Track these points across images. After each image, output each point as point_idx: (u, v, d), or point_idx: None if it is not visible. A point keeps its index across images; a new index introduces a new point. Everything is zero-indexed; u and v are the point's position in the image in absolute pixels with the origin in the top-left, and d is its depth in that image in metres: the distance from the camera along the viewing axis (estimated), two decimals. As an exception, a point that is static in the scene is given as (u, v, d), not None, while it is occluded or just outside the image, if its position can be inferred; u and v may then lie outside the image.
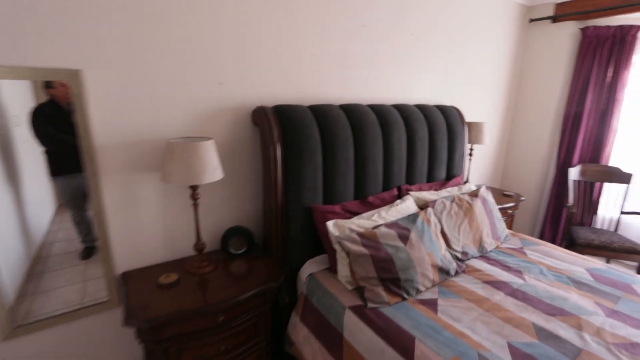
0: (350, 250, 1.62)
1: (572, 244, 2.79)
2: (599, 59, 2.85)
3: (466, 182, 2.51)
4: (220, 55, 1.70)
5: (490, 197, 2.36)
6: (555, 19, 2.94)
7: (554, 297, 1.65)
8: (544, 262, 2.00)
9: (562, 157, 3.14)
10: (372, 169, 2.08)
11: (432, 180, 2.47)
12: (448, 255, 1.87)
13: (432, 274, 1.72)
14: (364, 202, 2.06)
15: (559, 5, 2.92)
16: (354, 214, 1.95)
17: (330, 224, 1.75)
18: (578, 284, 1.79)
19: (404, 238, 1.73)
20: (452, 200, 2.17)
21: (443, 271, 1.78)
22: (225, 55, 1.71)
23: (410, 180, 2.33)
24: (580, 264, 2.00)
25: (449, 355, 1.27)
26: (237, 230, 1.88)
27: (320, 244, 1.91)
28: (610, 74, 2.85)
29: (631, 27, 2.69)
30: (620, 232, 3.01)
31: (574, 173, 2.96)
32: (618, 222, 2.93)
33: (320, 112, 1.91)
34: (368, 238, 1.68)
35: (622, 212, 2.91)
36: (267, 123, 1.75)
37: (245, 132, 1.88)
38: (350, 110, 2.02)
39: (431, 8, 2.42)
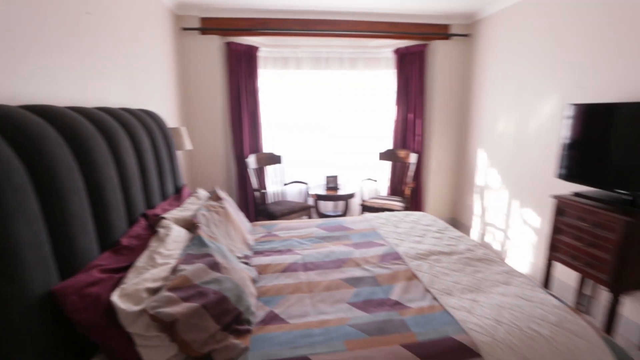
0: (176, 316, 1.06)
1: (271, 218, 3.35)
2: (242, 70, 3.47)
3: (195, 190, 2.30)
4: None
5: (228, 197, 2.32)
6: (203, 31, 3.21)
7: (328, 254, 1.98)
8: (293, 235, 2.30)
9: (237, 151, 3.61)
10: (113, 200, 1.41)
11: (166, 197, 2.05)
12: (241, 265, 1.69)
13: (254, 289, 1.50)
14: (119, 249, 1.37)
15: (203, 19, 3.20)
16: (118, 271, 1.26)
17: (116, 298, 1.03)
18: (325, 238, 2.24)
19: (215, 265, 1.36)
20: (208, 210, 1.93)
21: (254, 281, 1.60)
22: None
23: (149, 203, 1.81)
24: (309, 225, 2.49)
25: (341, 344, 1.22)
26: None
27: (76, 343, 1.09)
28: (250, 82, 3.56)
29: (254, 47, 3.48)
30: (287, 198, 3.98)
31: (251, 162, 3.52)
32: (284, 192, 3.86)
33: (10, 121, 1.01)
34: (183, 288, 1.17)
35: (285, 184, 3.87)
36: None
37: None
38: (56, 117, 1.22)
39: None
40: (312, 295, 1.57)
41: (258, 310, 1.44)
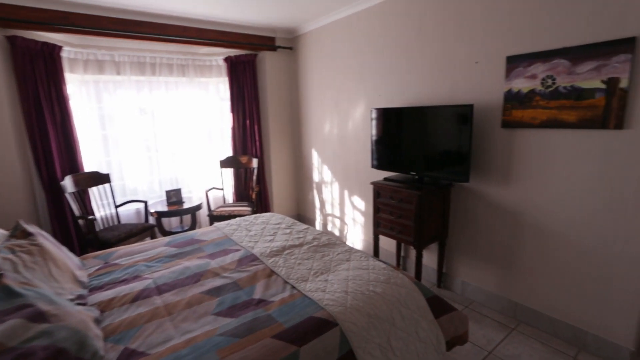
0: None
1: (105, 246, 2.85)
2: (39, 72, 2.77)
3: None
4: None
5: (41, 231, 1.87)
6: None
7: (182, 271, 1.88)
8: (139, 259, 2.06)
9: (44, 175, 2.89)
10: None
11: (-63, 247, 1.49)
12: (77, 307, 1.42)
13: (98, 330, 1.29)
14: None
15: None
16: None
17: None
18: (177, 255, 2.11)
19: (38, 316, 1.11)
20: (13, 251, 1.52)
21: (97, 322, 1.37)
22: None
23: None
24: (157, 245, 2.27)
25: (213, 355, 1.21)
26: None
27: None
28: (54, 88, 2.89)
29: (55, 46, 2.84)
30: (123, 221, 3.46)
31: (68, 185, 2.89)
32: (117, 214, 3.34)
33: None
34: (-6, 352, 0.92)
35: (117, 206, 3.35)
36: None
37: None
38: None
39: None
40: (173, 317, 1.47)
41: (109, 353, 1.25)
